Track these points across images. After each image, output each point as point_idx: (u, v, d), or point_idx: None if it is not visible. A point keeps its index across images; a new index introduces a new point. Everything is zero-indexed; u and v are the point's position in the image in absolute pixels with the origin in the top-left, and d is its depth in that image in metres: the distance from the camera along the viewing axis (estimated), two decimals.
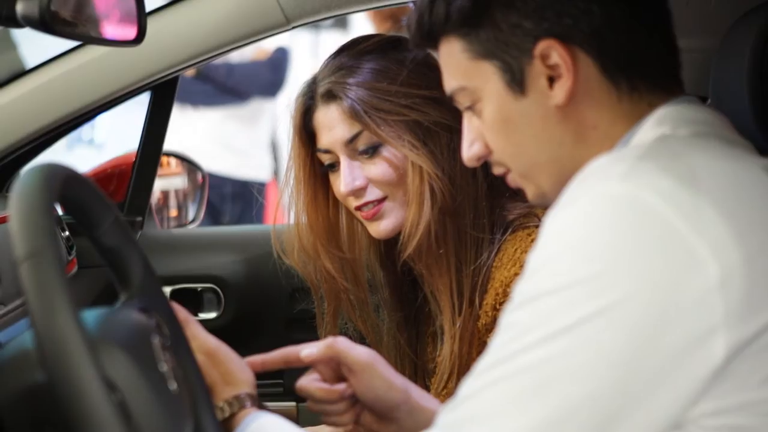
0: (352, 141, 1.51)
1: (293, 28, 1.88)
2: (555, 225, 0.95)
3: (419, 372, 1.65)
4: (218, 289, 2.18)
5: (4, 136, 1.97)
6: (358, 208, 1.53)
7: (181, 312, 1.20)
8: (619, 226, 0.91)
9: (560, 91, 1.04)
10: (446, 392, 1.52)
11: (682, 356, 0.90)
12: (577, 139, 1.06)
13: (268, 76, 4.65)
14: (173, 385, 0.98)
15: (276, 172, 5.13)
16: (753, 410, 0.91)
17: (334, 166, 1.54)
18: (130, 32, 1.37)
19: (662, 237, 0.91)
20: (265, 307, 2.18)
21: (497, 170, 1.15)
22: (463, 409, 0.94)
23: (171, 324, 1.13)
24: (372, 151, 1.51)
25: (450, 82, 1.12)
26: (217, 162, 4.57)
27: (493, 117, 1.08)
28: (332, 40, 5.42)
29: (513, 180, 1.13)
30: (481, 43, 1.06)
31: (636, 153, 0.97)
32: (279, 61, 4.70)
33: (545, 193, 1.10)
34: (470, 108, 1.11)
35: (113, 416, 0.84)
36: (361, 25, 4.95)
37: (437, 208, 1.48)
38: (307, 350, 1.29)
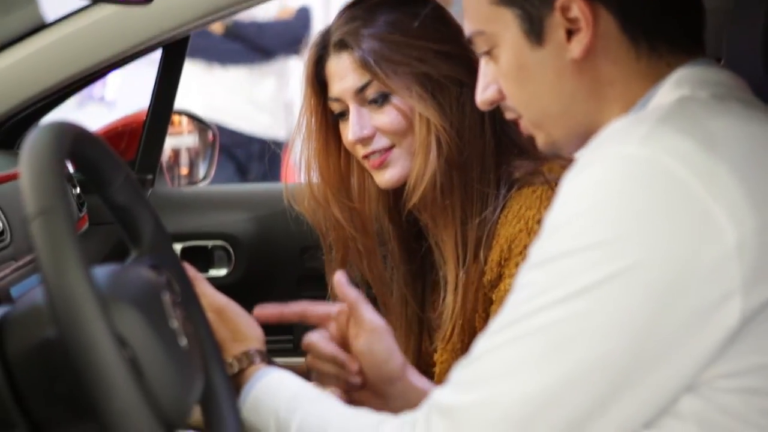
0: (361, 90, 1.52)
1: None
2: (573, 186, 0.95)
3: (424, 328, 1.66)
4: (229, 247, 2.19)
5: (14, 94, 1.97)
6: (366, 157, 1.54)
7: (190, 270, 1.21)
8: (637, 189, 0.91)
9: (577, 45, 1.03)
10: (450, 346, 1.53)
11: (698, 320, 0.90)
12: (591, 95, 1.06)
13: (293, 35, 4.64)
14: (183, 342, 0.99)
15: None
16: (765, 372, 0.92)
17: (344, 114, 1.55)
18: None
19: (681, 201, 0.91)
20: (275, 265, 2.19)
21: (509, 115, 1.15)
22: (477, 366, 0.95)
23: (181, 281, 1.14)
24: (381, 100, 1.52)
25: (469, 26, 1.11)
26: (244, 120, 4.58)
27: (509, 64, 1.08)
28: None
29: (524, 127, 1.13)
30: None
31: (656, 116, 0.97)
32: (303, 20, 4.69)
33: (555, 142, 1.11)
34: (487, 53, 1.11)
35: (124, 371, 0.85)
36: None
37: (443, 160, 1.49)
38: (342, 282, 1.29)
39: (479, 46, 1.12)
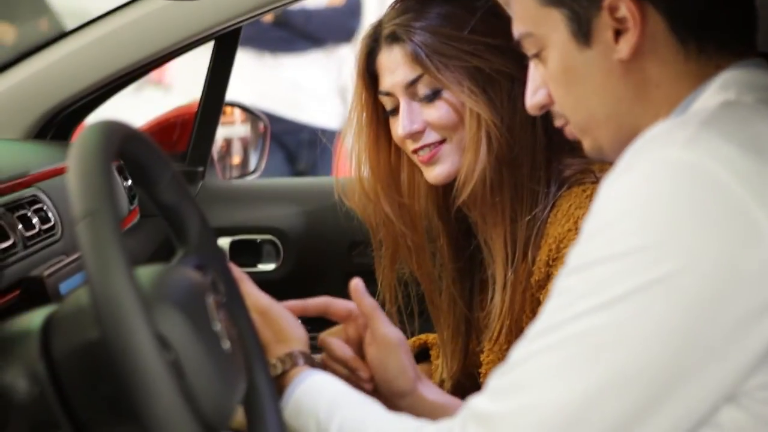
0: (412, 84, 1.50)
1: None
2: (613, 190, 0.93)
3: (472, 328, 1.65)
4: (277, 241, 2.19)
5: (65, 87, 2.00)
6: (415, 152, 1.53)
7: (235, 270, 1.20)
8: (679, 194, 0.89)
9: (625, 46, 1.02)
10: (497, 347, 1.52)
11: (738, 330, 0.88)
12: (638, 96, 1.04)
13: (344, 22, 4.64)
14: (227, 344, 0.98)
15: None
16: None
17: (395, 110, 1.54)
18: None
19: (724, 207, 0.89)
20: (323, 260, 2.19)
21: (558, 122, 1.14)
22: (513, 375, 0.94)
23: (226, 281, 1.13)
24: (432, 95, 1.50)
25: (518, 28, 1.10)
26: (295, 109, 4.59)
27: (557, 66, 1.07)
28: None
29: (571, 132, 1.12)
30: None
31: (700, 119, 0.95)
32: (353, 7, 4.69)
33: (602, 147, 1.09)
34: (537, 55, 1.10)
35: (166, 375, 0.84)
36: None
37: (493, 156, 1.47)
38: (360, 289, 1.31)
39: (528, 49, 1.10)
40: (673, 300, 0.88)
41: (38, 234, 1.48)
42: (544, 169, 1.49)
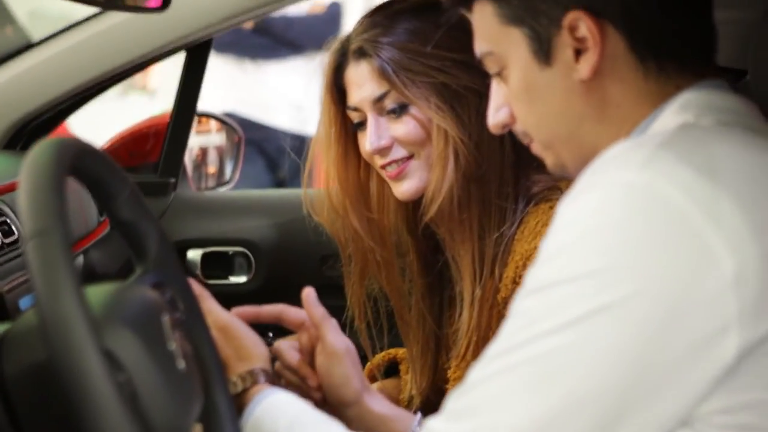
0: (380, 99, 1.49)
1: None
2: (569, 212, 0.93)
3: (441, 344, 1.64)
4: (249, 253, 2.18)
5: (38, 95, 1.99)
6: (383, 167, 1.52)
7: (195, 286, 1.20)
8: (633, 217, 0.89)
9: (585, 65, 1.01)
10: (465, 364, 1.51)
11: (693, 353, 0.88)
12: (599, 116, 1.04)
13: (324, 30, 4.63)
14: (182, 364, 0.97)
15: None
16: (762, 409, 0.89)
17: (363, 124, 1.53)
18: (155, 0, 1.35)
19: (678, 230, 0.88)
20: (295, 272, 2.18)
21: (523, 140, 1.14)
22: (470, 395, 0.93)
23: (186, 298, 1.13)
24: (399, 110, 1.49)
25: (480, 46, 1.10)
26: (275, 115, 4.59)
27: (518, 85, 1.07)
28: None
29: (536, 149, 1.12)
30: (512, 9, 1.04)
31: (655, 141, 0.94)
32: (334, 15, 4.69)
33: (565, 165, 1.09)
34: (498, 74, 1.10)
35: (114, 396, 0.83)
36: None
37: (461, 173, 1.46)
38: (311, 298, 1.34)
39: (490, 67, 1.10)
40: (627, 323, 0.88)
41: (1, 248, 1.47)
42: (512, 185, 1.49)
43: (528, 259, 1.42)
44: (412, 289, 1.64)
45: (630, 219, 0.89)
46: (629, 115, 1.03)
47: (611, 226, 0.89)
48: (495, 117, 1.13)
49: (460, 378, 1.51)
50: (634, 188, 0.90)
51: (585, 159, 1.02)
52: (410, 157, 1.51)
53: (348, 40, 1.53)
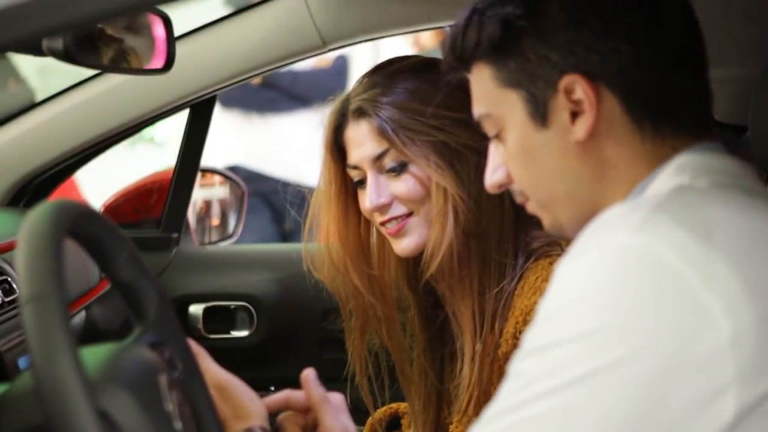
0: (379, 158, 1.51)
1: (329, 50, 1.89)
2: (566, 274, 0.94)
3: (443, 399, 1.64)
4: (251, 308, 2.18)
5: (42, 153, 2.01)
6: (383, 224, 1.53)
7: (193, 345, 1.20)
8: (630, 279, 0.90)
9: (581, 127, 1.03)
10: (466, 419, 1.51)
11: (691, 414, 0.88)
12: (595, 177, 1.05)
13: (331, 84, 4.68)
14: (178, 425, 0.98)
15: None
16: None
17: (363, 182, 1.55)
18: (158, 60, 1.37)
19: (674, 292, 0.89)
20: (297, 326, 2.18)
21: (518, 198, 1.15)
22: None
23: (184, 357, 1.13)
24: (399, 168, 1.51)
25: (478, 108, 1.12)
26: (285, 168, 4.61)
27: (515, 146, 1.08)
28: (392, 47, 5.45)
29: (532, 208, 1.13)
30: (509, 72, 1.06)
31: (651, 204, 0.95)
32: (341, 69, 4.74)
33: (561, 225, 1.10)
34: (496, 136, 1.11)
35: None
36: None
37: (460, 229, 1.47)
38: (311, 380, 1.30)
39: (488, 129, 1.12)
40: (624, 384, 0.88)
41: (1, 306, 1.48)
42: (512, 241, 1.49)
43: (528, 314, 1.43)
44: (413, 344, 1.65)
45: (626, 280, 0.90)
46: (626, 176, 1.04)
47: (608, 288, 0.90)
48: (492, 177, 1.15)
49: None
50: (629, 250, 0.91)
51: (582, 219, 1.03)
52: (410, 214, 1.52)
53: (347, 99, 1.56)
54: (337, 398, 1.37)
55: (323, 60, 4.73)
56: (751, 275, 0.91)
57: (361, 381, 1.65)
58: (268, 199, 4.57)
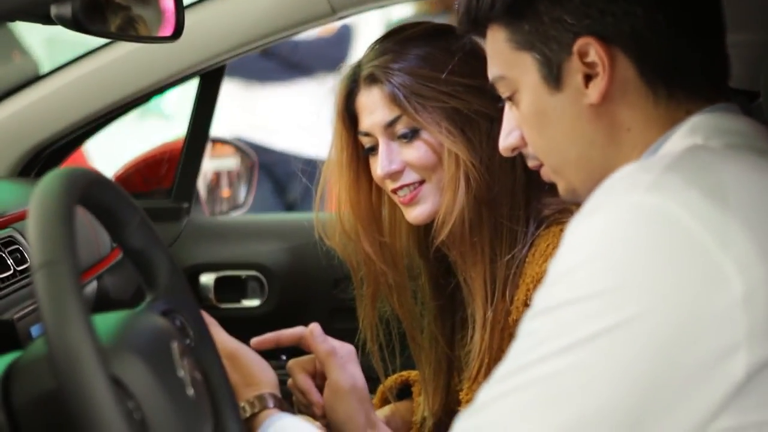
0: (391, 124, 1.51)
1: (339, 18, 1.88)
2: (577, 233, 0.93)
3: (453, 367, 1.64)
4: (262, 277, 2.19)
5: (53, 122, 2.01)
6: (395, 191, 1.53)
7: (204, 315, 1.20)
8: (642, 238, 0.90)
9: (595, 90, 1.03)
10: (477, 386, 1.51)
11: (702, 372, 0.88)
12: (608, 140, 1.05)
13: (334, 53, 4.65)
14: (191, 391, 0.98)
15: None
16: None
17: (374, 149, 1.54)
18: (167, 28, 1.37)
19: (687, 251, 0.89)
20: (308, 296, 2.19)
21: (531, 163, 1.15)
22: (479, 417, 0.94)
23: (196, 325, 1.13)
24: (411, 135, 1.50)
25: (492, 70, 1.12)
26: (285, 138, 4.61)
27: (528, 109, 1.08)
28: (399, 14, 5.40)
29: (546, 174, 1.13)
30: (523, 34, 1.06)
31: (664, 163, 0.95)
32: (344, 38, 4.70)
33: (575, 189, 1.10)
34: (510, 98, 1.11)
35: (123, 424, 0.84)
36: None
37: (472, 196, 1.47)
38: (317, 334, 1.37)
39: (502, 91, 1.12)
40: (637, 343, 0.88)
41: (13, 275, 1.48)
42: (524, 208, 1.49)
43: (539, 281, 1.42)
44: (424, 311, 1.65)
45: (638, 239, 0.89)
46: (639, 140, 1.04)
47: (619, 247, 0.90)
48: (506, 140, 1.15)
49: (472, 400, 1.51)
50: (642, 209, 0.90)
51: (595, 183, 1.02)
52: (422, 182, 1.51)
53: (359, 66, 1.55)
54: (346, 349, 1.39)
55: (327, 28, 4.69)
56: (764, 234, 0.90)
57: (372, 348, 1.65)
58: (269, 171, 4.56)
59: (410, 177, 1.51)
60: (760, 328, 0.88)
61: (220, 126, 4.21)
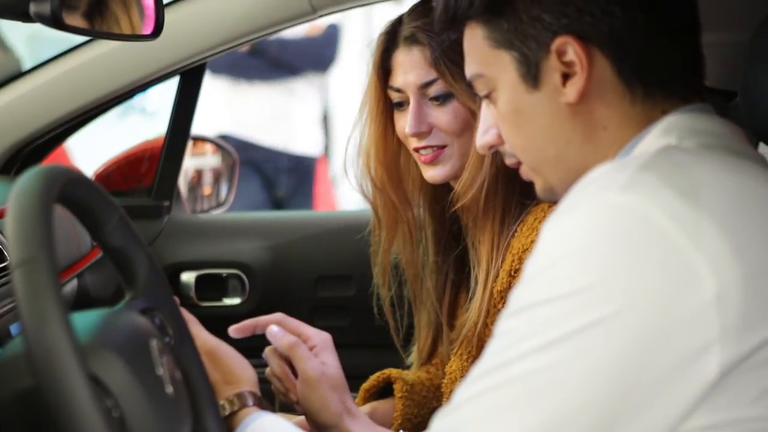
0: (426, 86, 1.55)
1: (319, 17, 1.89)
2: (553, 232, 0.94)
3: (441, 329, 1.68)
4: (243, 276, 2.19)
5: (34, 120, 2.00)
6: (417, 150, 1.57)
7: (183, 312, 1.21)
8: (617, 237, 0.90)
9: (572, 89, 1.03)
10: (461, 353, 1.54)
11: (676, 371, 0.89)
12: (585, 139, 1.05)
13: (321, 52, 4.67)
14: (170, 389, 0.98)
15: (327, 148, 5.16)
16: (745, 427, 0.90)
17: (402, 104, 1.58)
18: (147, 27, 1.37)
19: (660, 250, 0.89)
20: (289, 294, 2.19)
21: (509, 161, 1.16)
22: (457, 415, 0.94)
23: (175, 322, 1.13)
24: (443, 98, 1.54)
25: (470, 68, 1.12)
26: (273, 136, 4.62)
27: (506, 107, 1.09)
28: (385, 13, 5.41)
29: (524, 172, 1.14)
30: (501, 32, 1.07)
31: (638, 163, 0.96)
32: (331, 37, 4.72)
33: (553, 188, 1.11)
34: (488, 96, 1.12)
35: (102, 422, 0.84)
36: None
37: (495, 167, 1.50)
38: (273, 332, 1.39)
39: (479, 89, 1.12)
40: (611, 341, 0.89)
41: None
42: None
43: (524, 252, 1.46)
44: (426, 262, 1.70)
45: (613, 239, 0.90)
46: (615, 138, 1.05)
47: (594, 246, 0.91)
48: (483, 138, 1.15)
49: (455, 372, 1.55)
50: (616, 209, 0.91)
51: (572, 181, 1.03)
52: (445, 146, 1.56)
53: (400, 23, 1.58)
54: (321, 337, 1.41)
55: (314, 28, 4.70)
56: (737, 234, 0.91)
57: (384, 296, 1.70)
58: (257, 167, 4.57)
59: (435, 139, 1.56)
60: (732, 327, 0.89)
61: (208, 124, 4.23)
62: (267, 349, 1.40)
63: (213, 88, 4.54)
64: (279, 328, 1.39)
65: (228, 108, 4.64)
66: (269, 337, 1.39)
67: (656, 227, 0.90)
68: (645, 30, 1.03)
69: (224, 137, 4.30)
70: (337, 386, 1.36)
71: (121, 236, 1.09)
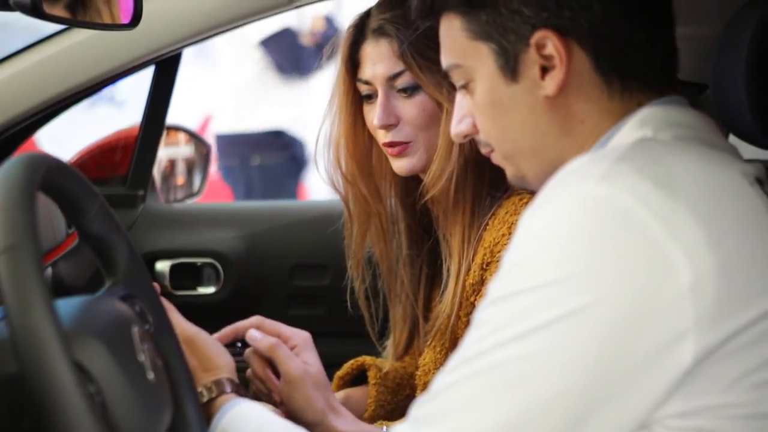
0: (393, 78, 1.55)
1: (295, 7, 1.89)
2: (531, 223, 0.95)
3: (418, 324, 1.69)
4: (218, 264, 2.19)
5: (5, 110, 1.99)
6: (385, 144, 1.57)
7: (162, 300, 1.21)
8: (594, 228, 0.92)
9: (551, 82, 1.04)
10: (434, 345, 1.55)
11: (652, 359, 0.91)
12: (562, 132, 1.07)
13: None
14: (151, 375, 0.99)
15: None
16: (719, 413, 0.92)
17: (371, 97, 1.59)
18: (125, 16, 1.37)
19: (637, 240, 0.91)
20: (264, 283, 2.20)
21: (483, 149, 1.16)
22: (435, 404, 0.96)
23: (155, 310, 1.14)
24: (410, 90, 1.55)
25: (447, 59, 1.13)
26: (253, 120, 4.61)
27: (483, 98, 1.09)
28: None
29: (496, 159, 1.15)
30: (480, 24, 1.07)
31: (615, 155, 0.97)
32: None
33: (524, 177, 1.12)
34: (464, 86, 1.12)
35: (85, 408, 0.85)
36: None
37: (463, 158, 1.51)
38: (253, 336, 1.39)
39: (456, 80, 1.13)
40: (588, 331, 0.90)
41: None
42: (504, 177, 1.53)
43: (495, 245, 1.47)
44: (399, 256, 1.70)
45: (589, 229, 0.92)
46: (592, 131, 1.06)
47: (571, 237, 0.92)
48: (457, 127, 1.16)
49: (428, 364, 1.56)
50: (593, 200, 0.93)
51: (545, 172, 1.05)
52: (411, 140, 1.56)
53: (368, 16, 1.59)
54: (301, 336, 1.42)
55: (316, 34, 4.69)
56: (712, 225, 0.93)
57: (359, 288, 1.69)
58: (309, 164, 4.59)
59: (402, 134, 1.56)
60: (707, 316, 0.90)
61: (266, 119, 4.21)
62: (247, 351, 1.40)
63: (268, 83, 4.53)
64: (258, 332, 1.40)
65: (282, 104, 4.62)
66: (249, 341, 1.39)
67: (633, 218, 0.91)
68: (623, 24, 1.05)
69: (278, 133, 4.32)
70: (320, 384, 1.37)
71: (102, 224, 1.09)
